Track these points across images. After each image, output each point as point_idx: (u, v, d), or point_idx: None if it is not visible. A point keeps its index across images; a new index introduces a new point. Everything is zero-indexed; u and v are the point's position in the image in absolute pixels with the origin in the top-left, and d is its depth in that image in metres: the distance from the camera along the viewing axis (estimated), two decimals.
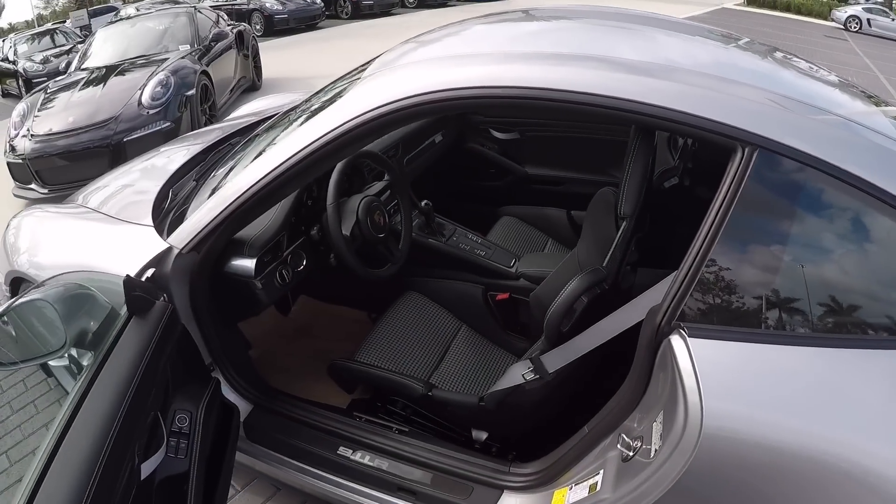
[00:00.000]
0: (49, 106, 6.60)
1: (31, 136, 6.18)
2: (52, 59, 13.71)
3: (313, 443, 2.25)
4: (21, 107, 6.81)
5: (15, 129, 6.47)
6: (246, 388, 2.44)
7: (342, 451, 2.19)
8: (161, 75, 6.67)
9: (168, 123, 6.40)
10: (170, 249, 2.01)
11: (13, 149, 6.26)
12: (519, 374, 1.95)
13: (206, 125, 6.49)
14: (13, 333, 1.57)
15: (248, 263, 2.20)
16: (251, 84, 10.06)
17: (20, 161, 6.13)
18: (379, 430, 2.26)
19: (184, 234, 2.04)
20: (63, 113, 6.40)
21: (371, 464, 2.13)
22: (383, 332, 2.60)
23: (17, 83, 13.29)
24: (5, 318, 1.55)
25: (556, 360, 1.83)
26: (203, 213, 2.01)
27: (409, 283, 2.90)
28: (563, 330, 1.83)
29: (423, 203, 2.88)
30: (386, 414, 2.48)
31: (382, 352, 2.52)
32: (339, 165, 2.35)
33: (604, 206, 2.21)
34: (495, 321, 2.79)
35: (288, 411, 2.41)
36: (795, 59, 2.22)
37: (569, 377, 1.92)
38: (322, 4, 19.14)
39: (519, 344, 2.75)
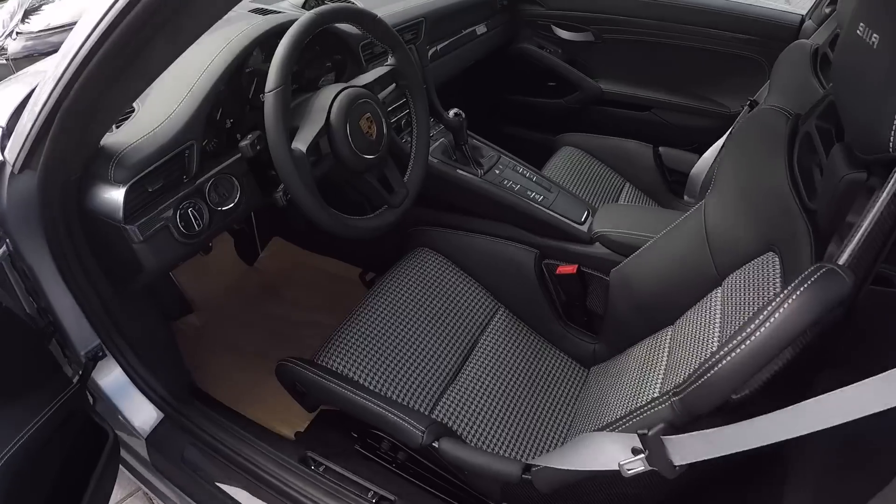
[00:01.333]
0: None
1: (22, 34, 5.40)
2: None
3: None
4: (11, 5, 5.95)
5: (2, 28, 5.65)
6: (152, 385, 1.58)
7: None
8: None
9: None
10: (2, 166, 1.26)
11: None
12: (611, 451, 0.95)
13: None
14: None
15: (112, 195, 1.22)
16: None
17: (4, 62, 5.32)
18: (346, 491, 1.32)
19: (14, 145, 1.20)
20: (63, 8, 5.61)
21: None
22: (370, 316, 1.64)
23: None
24: None
25: (692, 447, 0.83)
26: (29, 107, 1.14)
27: (420, 237, 1.93)
28: (733, 398, 0.83)
29: (450, 113, 1.85)
30: (363, 449, 1.54)
31: (363, 352, 1.56)
32: (296, 25, 1.35)
33: (775, 137, 1.19)
34: (552, 306, 1.81)
35: (211, 435, 1.54)
36: None
37: (699, 477, 0.94)
38: None
39: (586, 344, 1.78)
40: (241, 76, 1.49)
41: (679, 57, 2.53)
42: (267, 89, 1.28)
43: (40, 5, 5.80)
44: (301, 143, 1.31)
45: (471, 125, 1.91)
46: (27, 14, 5.65)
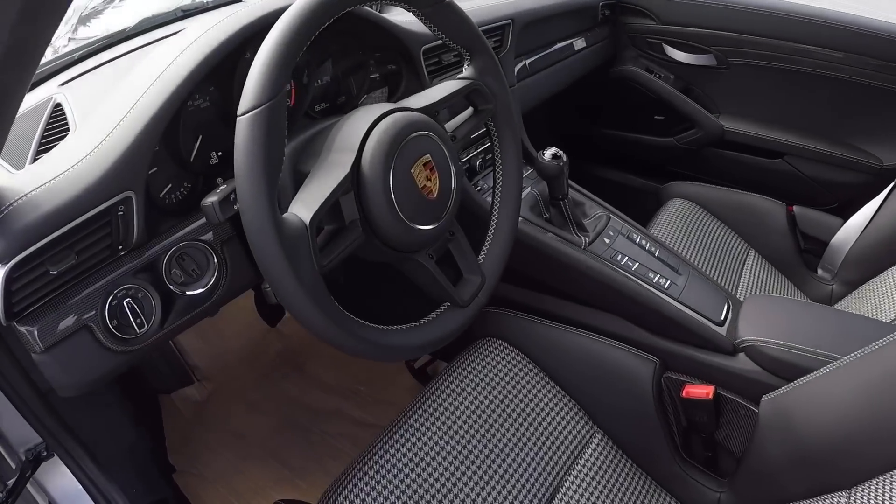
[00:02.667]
0: None
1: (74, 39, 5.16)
2: None
3: None
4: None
5: None
6: (111, 499, 1.16)
7: None
8: None
9: None
10: None
11: None
12: None
13: None
14: None
15: None
16: None
17: None
18: None
19: None
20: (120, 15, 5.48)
21: None
22: (413, 439, 1.13)
23: None
24: None
25: None
26: None
27: (492, 322, 1.41)
28: None
29: (546, 154, 1.35)
30: None
31: (397, 497, 1.04)
32: (297, 4, 0.81)
33: None
34: (669, 437, 1.28)
35: None
36: None
37: None
38: None
39: (709, 491, 1.26)
40: (231, 83, 0.99)
41: (823, 91, 2.00)
42: (239, 110, 0.76)
43: (103, 9, 5.55)
44: (303, 208, 0.79)
45: None
46: (85, 19, 5.39)
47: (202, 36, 0.93)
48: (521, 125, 1.57)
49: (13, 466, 1.06)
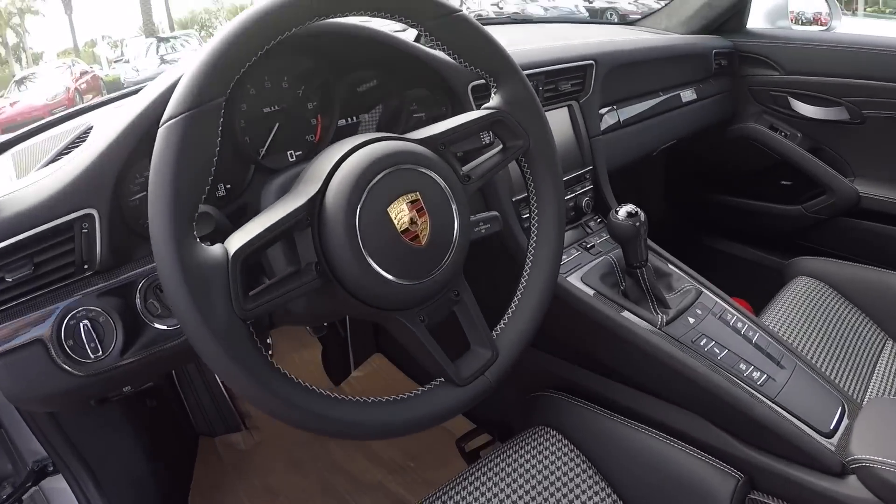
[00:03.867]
0: None
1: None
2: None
3: None
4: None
5: None
6: None
7: None
8: None
9: None
10: None
11: None
12: None
13: None
14: None
15: None
16: None
17: None
18: None
19: None
20: None
21: None
22: None
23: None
24: None
25: None
26: None
27: (543, 406, 1.25)
28: None
29: (620, 212, 1.16)
30: None
31: None
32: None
33: None
34: None
35: None
36: None
37: None
38: (586, 14, 17.43)
39: None
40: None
41: None
42: (164, 118, 0.64)
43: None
44: (234, 239, 0.66)
45: (658, 232, 1.21)
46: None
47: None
48: (605, 178, 1.39)
49: (19, 474, 1.13)
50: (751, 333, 1.17)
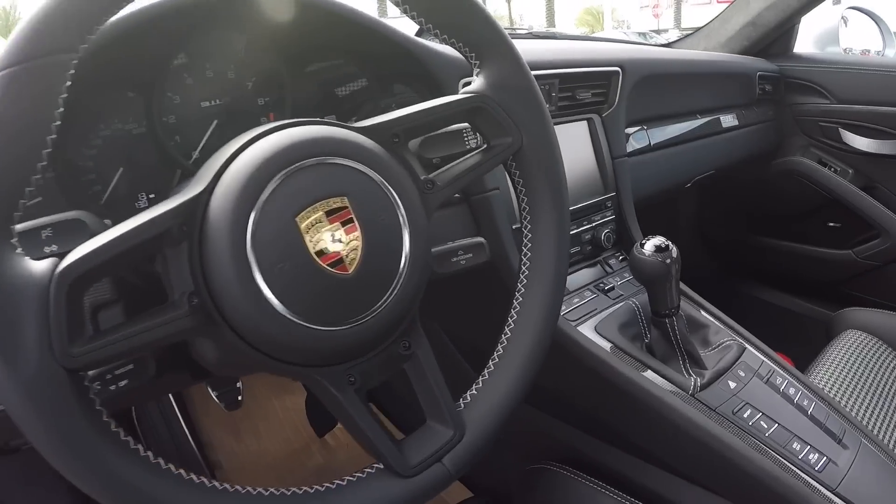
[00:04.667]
0: None
1: None
2: None
3: None
4: None
5: None
6: None
7: None
8: None
9: None
10: None
11: None
12: None
13: None
14: None
15: None
16: None
17: None
18: None
19: None
20: None
21: None
22: None
23: None
24: None
25: None
26: None
27: (542, 480, 1.00)
28: None
29: (647, 245, 0.94)
30: None
31: None
32: None
33: None
34: None
35: None
36: None
37: None
38: None
39: None
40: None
41: None
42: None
43: None
44: (70, 256, 0.45)
45: (689, 276, 1.00)
46: None
47: None
48: (630, 208, 1.19)
49: None
50: (805, 402, 0.95)
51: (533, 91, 0.69)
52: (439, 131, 0.77)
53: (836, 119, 1.77)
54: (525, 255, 0.70)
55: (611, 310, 1.04)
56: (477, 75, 0.68)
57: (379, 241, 0.55)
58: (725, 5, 1.85)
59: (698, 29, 1.91)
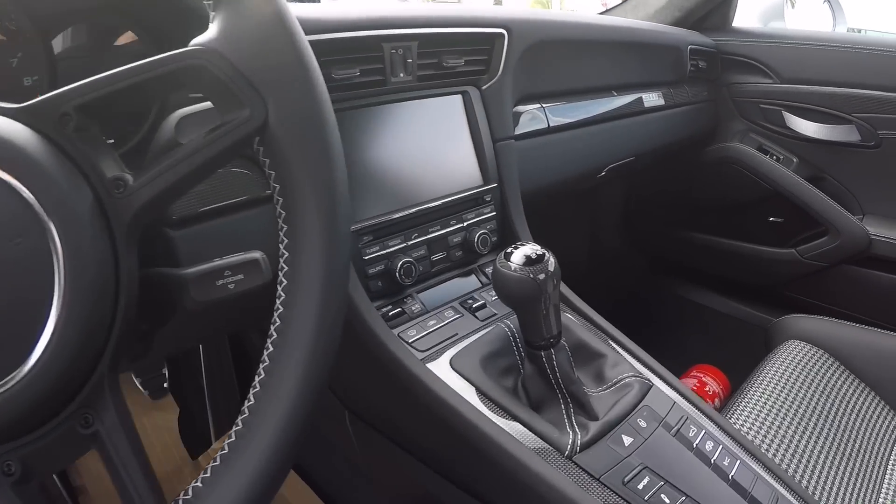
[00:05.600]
0: None
1: None
2: None
3: None
4: None
5: None
6: None
7: None
8: None
9: None
10: None
11: None
12: None
13: None
14: None
15: None
16: None
17: None
18: None
19: None
20: None
21: None
22: None
23: None
24: None
25: None
26: None
27: None
28: None
29: (515, 253, 0.70)
30: None
31: None
32: None
33: None
34: None
35: None
36: None
37: None
38: None
39: None
40: None
41: None
42: None
43: None
44: None
45: (612, 275, 0.91)
46: None
47: None
48: (517, 204, 0.96)
49: None
50: (727, 461, 0.73)
51: (290, 40, 0.47)
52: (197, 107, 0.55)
53: (779, 101, 1.61)
54: (280, 284, 0.48)
55: (477, 335, 0.81)
56: (211, 22, 0.47)
57: (15, 278, 0.41)
58: None
59: (624, 0, 1.70)
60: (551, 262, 0.69)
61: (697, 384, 1.47)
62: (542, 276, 0.68)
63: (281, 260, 0.48)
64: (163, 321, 0.52)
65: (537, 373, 0.74)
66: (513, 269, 0.68)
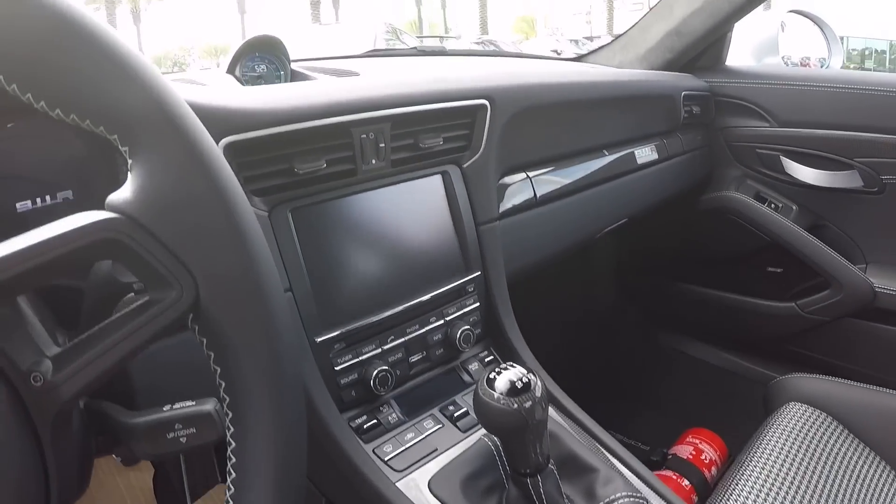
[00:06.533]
0: None
1: None
2: None
3: None
4: None
5: None
6: None
7: None
8: None
9: None
10: None
11: None
12: None
13: None
14: None
15: None
16: None
17: None
18: None
19: None
20: None
21: None
22: None
23: None
24: None
25: None
26: None
27: None
28: None
29: (501, 383, 0.62)
30: None
31: None
32: None
33: None
34: None
35: None
36: None
37: None
38: None
39: None
40: None
41: None
42: None
43: None
44: None
45: (604, 329, 0.93)
46: None
47: None
48: (503, 292, 0.89)
49: None
50: None
51: (217, 196, 0.40)
52: None
53: (776, 145, 1.53)
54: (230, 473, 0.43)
55: (459, 448, 0.74)
56: (129, 174, 0.40)
57: None
58: None
59: (613, 40, 1.63)
60: (538, 387, 0.63)
61: (693, 452, 1.39)
62: (528, 405, 0.61)
63: (229, 454, 0.42)
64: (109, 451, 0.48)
65: (522, 497, 0.68)
66: (496, 397, 0.61)
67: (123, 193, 0.39)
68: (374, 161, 0.77)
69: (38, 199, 0.62)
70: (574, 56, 1.72)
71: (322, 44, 7.69)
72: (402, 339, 0.80)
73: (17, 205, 0.60)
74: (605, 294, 1.82)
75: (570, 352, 0.92)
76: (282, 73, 1.06)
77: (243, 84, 1.01)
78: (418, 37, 11.82)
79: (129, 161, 0.39)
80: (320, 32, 9.03)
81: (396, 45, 8.00)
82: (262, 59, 1.05)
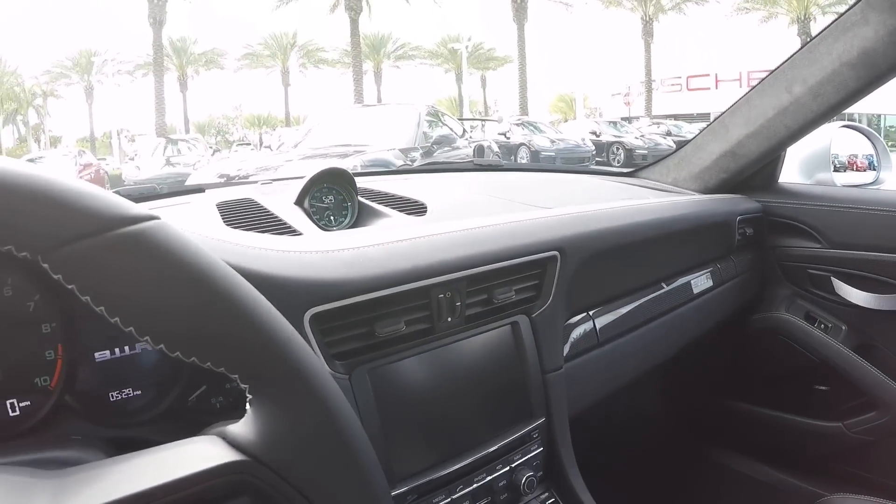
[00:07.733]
0: None
1: None
2: None
3: None
4: None
5: None
6: None
7: None
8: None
9: None
10: None
11: None
12: None
13: None
14: None
15: None
16: None
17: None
18: None
19: None
20: None
21: None
22: None
23: None
24: None
25: None
26: None
27: None
28: None
29: None
30: None
31: None
32: None
33: None
34: None
35: None
36: None
37: None
38: (592, 148, 17.32)
39: None
40: None
41: None
42: None
43: None
44: None
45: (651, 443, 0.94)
46: None
47: None
48: (565, 436, 0.94)
49: None
50: None
51: (337, 442, 0.46)
52: None
53: (827, 266, 1.54)
54: None
55: None
56: (248, 409, 0.44)
57: None
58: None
59: (667, 155, 1.67)
60: None
61: None
62: None
63: None
64: None
65: None
66: None
67: (246, 433, 0.44)
68: (449, 319, 0.81)
69: (118, 350, 0.66)
70: (627, 171, 1.75)
71: (368, 127, 7.76)
72: (470, 489, 0.83)
73: (96, 354, 0.64)
74: (649, 408, 1.83)
75: (612, 466, 0.94)
76: (349, 204, 1.08)
77: (311, 216, 1.00)
78: (459, 119, 12.16)
79: (249, 397, 0.44)
80: (365, 115, 9.17)
81: (438, 128, 8.35)
82: (330, 189, 1.07)
